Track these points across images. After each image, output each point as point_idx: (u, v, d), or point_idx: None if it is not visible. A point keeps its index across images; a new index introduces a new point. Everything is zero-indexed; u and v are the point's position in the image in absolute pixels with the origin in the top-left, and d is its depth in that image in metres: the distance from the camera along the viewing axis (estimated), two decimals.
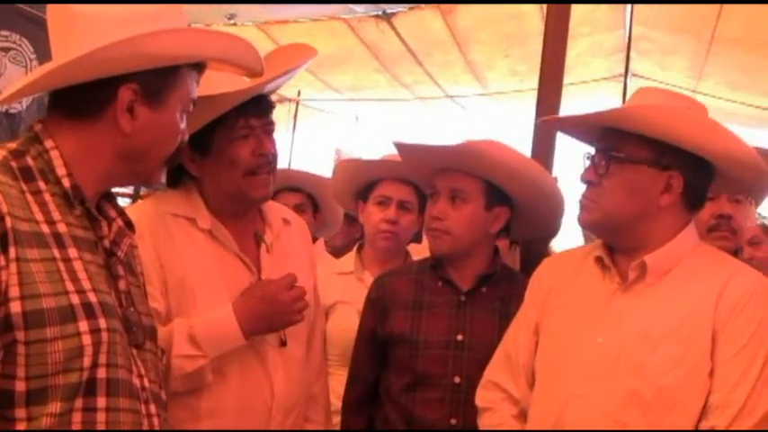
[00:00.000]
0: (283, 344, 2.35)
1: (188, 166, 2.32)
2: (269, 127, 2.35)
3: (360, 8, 6.99)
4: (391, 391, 2.59)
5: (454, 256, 2.59)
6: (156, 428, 1.67)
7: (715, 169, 2.14)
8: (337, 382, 2.79)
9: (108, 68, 1.57)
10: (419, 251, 3.24)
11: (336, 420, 2.74)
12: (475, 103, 8.89)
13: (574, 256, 2.36)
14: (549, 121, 2.68)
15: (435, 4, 6.80)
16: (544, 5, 6.50)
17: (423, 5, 6.88)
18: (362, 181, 3.21)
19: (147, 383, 1.66)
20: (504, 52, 7.62)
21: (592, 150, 2.22)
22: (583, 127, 2.33)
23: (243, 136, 2.29)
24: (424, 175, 2.64)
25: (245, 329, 2.20)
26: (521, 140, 2.65)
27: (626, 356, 2.05)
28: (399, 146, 2.63)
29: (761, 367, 1.98)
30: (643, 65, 7.59)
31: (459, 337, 2.53)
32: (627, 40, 7.02)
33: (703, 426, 1.98)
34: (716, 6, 6.11)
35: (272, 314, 2.24)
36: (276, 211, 2.52)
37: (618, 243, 2.19)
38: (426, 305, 2.60)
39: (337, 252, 3.79)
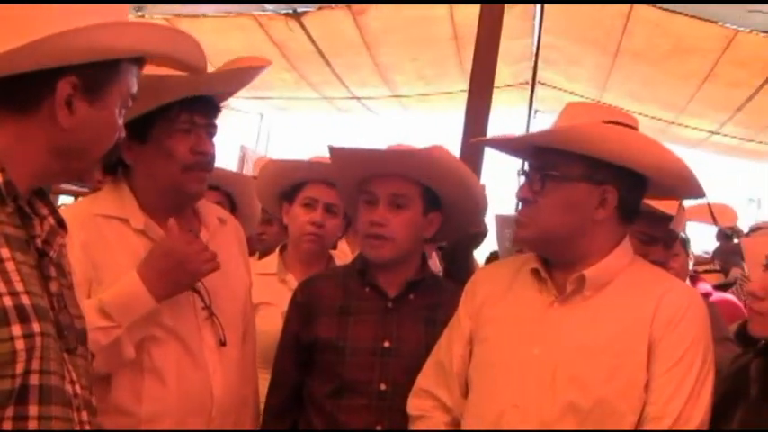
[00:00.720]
0: (223, 343, 2.32)
1: (123, 153, 2.26)
2: (211, 129, 2.32)
3: (270, 6, 6.90)
4: (315, 396, 2.55)
5: (393, 262, 2.56)
6: None
7: (647, 181, 2.17)
8: (259, 385, 2.73)
9: (47, 60, 1.50)
10: (336, 257, 3.22)
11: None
12: (381, 104, 8.91)
13: (508, 267, 2.36)
14: (480, 142, 2.67)
15: (346, 5, 6.78)
16: (453, 9, 6.62)
17: (333, 5, 6.85)
18: (288, 182, 3.18)
19: (78, 390, 1.58)
20: (412, 56, 7.65)
21: (523, 166, 2.23)
22: (513, 146, 2.34)
23: (184, 130, 2.25)
24: (355, 179, 2.59)
25: (153, 290, 2.14)
26: (424, 143, 2.63)
27: (563, 368, 2.06)
28: (335, 149, 2.57)
29: (694, 380, 2.01)
30: (549, 74, 7.73)
31: (386, 344, 2.51)
32: (535, 48, 7.14)
33: None
34: (622, 20, 6.26)
35: (176, 266, 2.17)
36: (211, 210, 2.49)
37: (555, 257, 2.20)
38: (353, 311, 2.56)
39: (268, 252, 3.72)
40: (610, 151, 2.06)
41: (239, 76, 2.37)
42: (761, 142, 8.07)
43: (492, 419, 2.10)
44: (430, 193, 2.56)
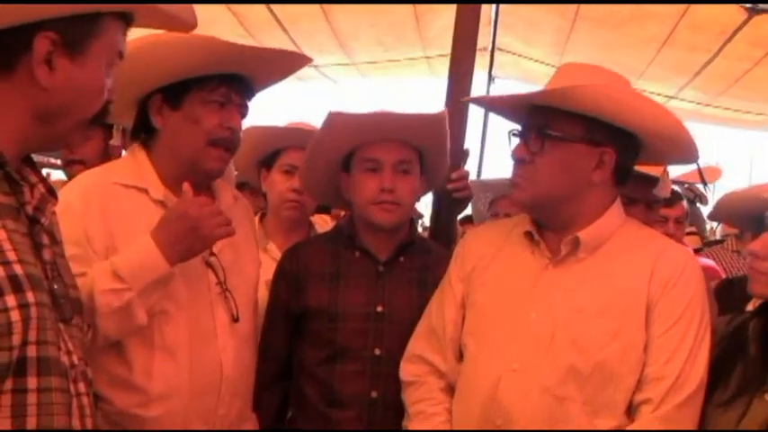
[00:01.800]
0: (236, 320, 2.32)
1: (153, 117, 2.28)
2: (244, 109, 2.34)
3: None
4: (307, 364, 2.52)
5: (398, 227, 2.55)
6: (86, 407, 1.56)
7: (641, 144, 2.16)
8: None
9: (21, 15, 1.42)
10: (324, 222, 3.18)
11: None
12: (338, 71, 8.81)
13: (498, 230, 2.36)
14: (476, 100, 2.65)
15: None
16: None
17: None
18: (267, 149, 3.14)
19: (75, 360, 1.55)
20: (371, 21, 7.56)
21: (516, 128, 2.21)
22: (508, 104, 2.32)
23: (219, 102, 2.27)
24: (349, 147, 2.54)
25: (166, 254, 2.11)
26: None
27: (562, 331, 2.06)
28: (336, 115, 2.48)
29: (693, 340, 2.02)
30: (508, 39, 7.68)
31: (379, 309, 2.49)
32: (494, 14, 7.09)
33: (638, 398, 2.01)
34: None
35: (189, 230, 2.14)
36: (226, 187, 2.48)
37: (549, 220, 2.19)
38: (344, 276, 2.54)
39: None
40: (612, 111, 2.05)
41: (277, 70, 2.40)
42: (718, 107, 8.14)
43: (489, 384, 2.09)
44: (422, 159, 2.57)
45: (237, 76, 2.30)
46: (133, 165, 2.30)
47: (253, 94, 2.39)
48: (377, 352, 2.46)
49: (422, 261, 2.58)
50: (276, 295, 2.63)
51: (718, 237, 6.25)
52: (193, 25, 1.76)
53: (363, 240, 2.56)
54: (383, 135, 2.49)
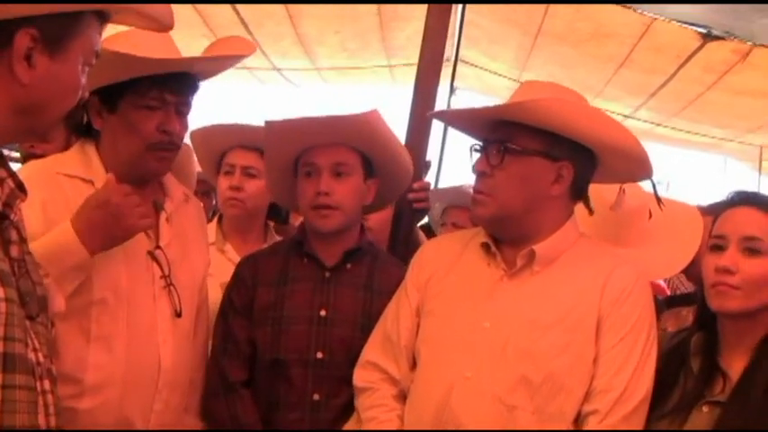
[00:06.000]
0: (178, 315, 2.29)
1: (93, 118, 2.24)
2: (184, 107, 2.28)
3: None
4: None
5: (339, 231, 2.55)
6: (51, 406, 1.55)
7: (598, 160, 2.23)
8: None
9: (2, 10, 1.43)
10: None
11: None
12: (301, 76, 8.82)
13: (456, 241, 2.40)
14: (440, 114, 2.69)
15: None
16: None
17: None
18: (216, 151, 3.16)
19: (41, 358, 1.54)
20: (336, 28, 7.60)
21: (477, 143, 2.26)
22: (469, 119, 2.37)
23: (150, 107, 2.21)
24: (292, 155, 2.56)
25: (85, 241, 2.08)
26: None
27: (515, 341, 2.11)
28: (272, 123, 2.51)
29: (639, 354, 2.09)
30: (470, 51, 7.76)
31: (323, 313, 2.50)
32: (458, 25, 7.16)
33: (586, 409, 2.08)
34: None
35: (110, 218, 2.09)
36: (177, 185, 2.46)
37: (507, 234, 2.24)
38: (290, 280, 2.55)
39: None
40: (570, 125, 2.11)
41: (216, 63, 2.35)
42: (672, 128, 8.31)
43: (442, 391, 2.13)
44: (366, 160, 2.57)
45: (172, 73, 2.24)
46: (80, 156, 2.29)
47: (194, 87, 2.31)
48: (319, 355, 2.46)
49: (368, 267, 2.60)
50: (230, 300, 2.59)
51: None
52: (169, 26, 1.77)
53: (311, 246, 2.58)
54: (316, 139, 2.49)
